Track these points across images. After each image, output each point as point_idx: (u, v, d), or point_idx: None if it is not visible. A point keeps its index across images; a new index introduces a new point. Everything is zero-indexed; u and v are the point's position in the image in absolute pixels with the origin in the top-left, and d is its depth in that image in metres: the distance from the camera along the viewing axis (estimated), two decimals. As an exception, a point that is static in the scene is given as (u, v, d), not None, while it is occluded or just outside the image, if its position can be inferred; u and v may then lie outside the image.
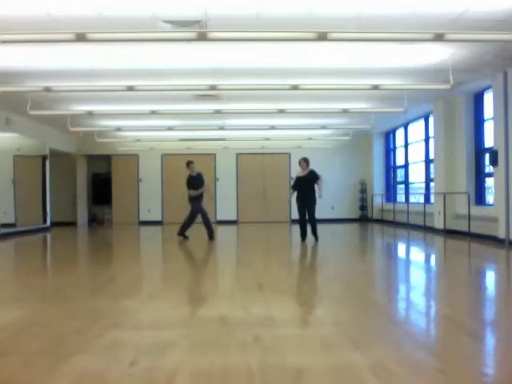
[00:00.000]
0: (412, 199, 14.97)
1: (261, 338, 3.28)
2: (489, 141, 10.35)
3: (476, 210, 10.44)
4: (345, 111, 11.35)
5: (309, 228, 9.99)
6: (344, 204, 17.41)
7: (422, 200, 13.76)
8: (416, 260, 8.32)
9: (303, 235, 10.04)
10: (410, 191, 15.33)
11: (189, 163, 10.79)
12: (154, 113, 11.21)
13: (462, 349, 3.09)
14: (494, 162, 9.34)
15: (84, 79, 8.81)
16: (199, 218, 10.65)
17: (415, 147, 14.63)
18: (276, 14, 5.95)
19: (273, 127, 14.13)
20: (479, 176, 10.99)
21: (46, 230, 14.31)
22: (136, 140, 16.51)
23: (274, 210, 17.36)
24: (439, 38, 5.85)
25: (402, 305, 4.65)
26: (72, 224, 16.95)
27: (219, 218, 17.20)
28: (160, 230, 15.24)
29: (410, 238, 11.36)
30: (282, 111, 11.20)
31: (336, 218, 17.08)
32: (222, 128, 14.40)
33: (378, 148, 17.24)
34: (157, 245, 11.43)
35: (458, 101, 11.25)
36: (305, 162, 10.17)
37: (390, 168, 17.05)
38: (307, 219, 10.00)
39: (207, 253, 9.20)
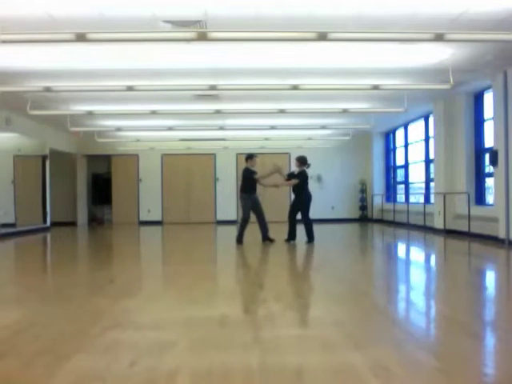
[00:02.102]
0: (412, 199, 14.97)
1: (261, 338, 3.28)
2: (489, 141, 10.34)
3: (476, 210, 10.44)
4: (345, 111, 11.35)
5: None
6: (344, 204, 17.41)
7: (422, 200, 13.76)
8: (416, 260, 8.32)
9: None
10: (410, 191, 15.33)
11: (253, 156, 9.85)
12: (154, 113, 11.21)
13: (462, 349, 3.08)
14: (493, 162, 9.34)
15: (84, 79, 8.81)
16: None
17: (415, 147, 14.63)
18: (276, 14, 5.95)
19: (273, 127, 14.13)
20: (479, 176, 10.99)
21: (46, 230, 14.30)
22: (136, 140, 16.51)
23: (274, 210, 17.30)
24: (439, 37, 5.85)
25: (402, 305, 4.66)
26: (72, 224, 16.94)
27: (219, 218, 17.21)
28: (160, 230, 15.24)
29: (410, 238, 11.36)
30: (282, 111, 11.20)
31: (336, 217, 17.08)
32: (222, 128, 14.40)
33: (377, 148, 17.24)
34: (157, 245, 11.43)
35: (458, 101, 11.25)
36: (297, 161, 9.99)
37: (390, 168, 17.05)
38: (300, 219, 9.87)
39: (208, 253, 9.20)
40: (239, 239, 9.65)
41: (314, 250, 9.06)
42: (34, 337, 3.38)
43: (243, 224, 9.74)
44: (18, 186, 12.83)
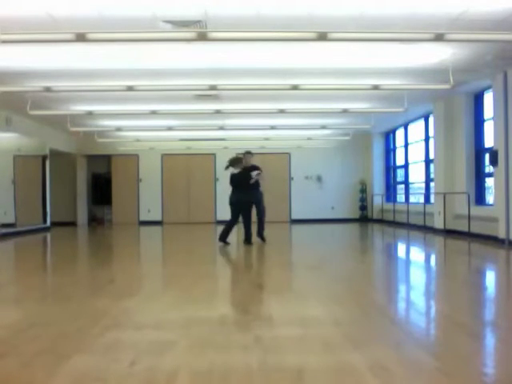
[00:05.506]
0: (412, 199, 14.97)
1: (261, 338, 3.28)
2: (489, 141, 10.34)
3: (476, 210, 10.44)
4: (345, 111, 11.35)
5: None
6: (344, 204, 17.41)
7: (422, 200, 13.76)
8: (416, 260, 8.32)
9: (248, 239, 9.59)
10: (410, 191, 15.33)
11: (246, 153, 10.07)
12: (154, 113, 11.21)
13: (462, 349, 3.08)
14: (493, 162, 9.34)
15: (84, 79, 8.81)
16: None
17: (415, 147, 14.63)
18: (276, 14, 5.95)
19: (273, 127, 14.14)
20: (479, 176, 10.99)
21: (46, 230, 14.30)
22: (136, 140, 16.51)
23: (273, 210, 17.31)
24: (439, 37, 5.85)
25: (402, 305, 4.66)
26: (72, 224, 16.95)
27: (219, 218, 17.19)
28: (160, 230, 15.24)
29: (410, 238, 11.35)
30: (282, 111, 11.20)
31: (336, 217, 17.08)
32: (222, 128, 14.39)
33: (378, 148, 17.24)
34: (157, 245, 11.43)
35: (458, 101, 11.25)
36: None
37: (390, 168, 17.05)
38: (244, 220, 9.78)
39: (208, 253, 9.20)
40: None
41: (314, 249, 9.06)
42: (34, 337, 3.38)
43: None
44: (18, 185, 12.83)
